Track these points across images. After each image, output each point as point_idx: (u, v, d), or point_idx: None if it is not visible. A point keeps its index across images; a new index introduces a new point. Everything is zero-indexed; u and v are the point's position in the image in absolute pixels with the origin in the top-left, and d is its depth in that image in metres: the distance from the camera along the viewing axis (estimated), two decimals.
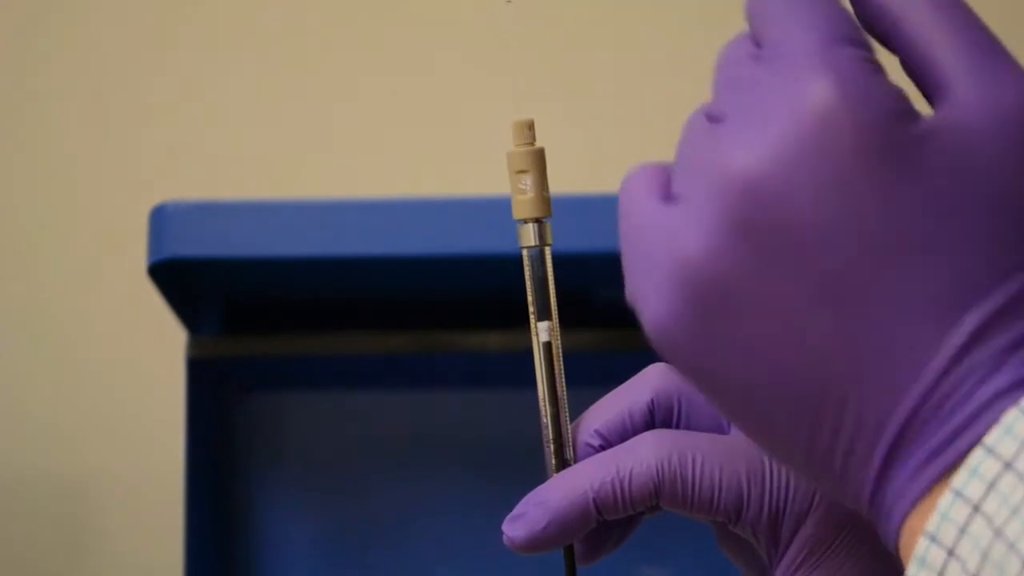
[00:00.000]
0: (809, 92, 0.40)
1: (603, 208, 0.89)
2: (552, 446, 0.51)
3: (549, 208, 0.51)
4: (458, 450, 1.12)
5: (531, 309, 0.51)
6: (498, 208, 0.93)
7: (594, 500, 0.50)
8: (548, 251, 0.51)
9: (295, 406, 1.13)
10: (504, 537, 0.49)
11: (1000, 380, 0.38)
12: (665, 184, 0.43)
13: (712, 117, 0.42)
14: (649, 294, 0.41)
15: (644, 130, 1.37)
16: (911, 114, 0.40)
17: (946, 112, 0.41)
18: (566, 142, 1.35)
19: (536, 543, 0.50)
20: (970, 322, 0.39)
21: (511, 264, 0.96)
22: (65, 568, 1.36)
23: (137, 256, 0.99)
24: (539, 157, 0.52)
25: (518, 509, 0.50)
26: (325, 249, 0.94)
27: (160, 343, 1.29)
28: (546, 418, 0.51)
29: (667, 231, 0.41)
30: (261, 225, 0.94)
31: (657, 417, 0.51)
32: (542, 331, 0.51)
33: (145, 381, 1.35)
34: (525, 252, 0.51)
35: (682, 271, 0.40)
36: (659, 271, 0.41)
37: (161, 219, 0.95)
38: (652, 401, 0.51)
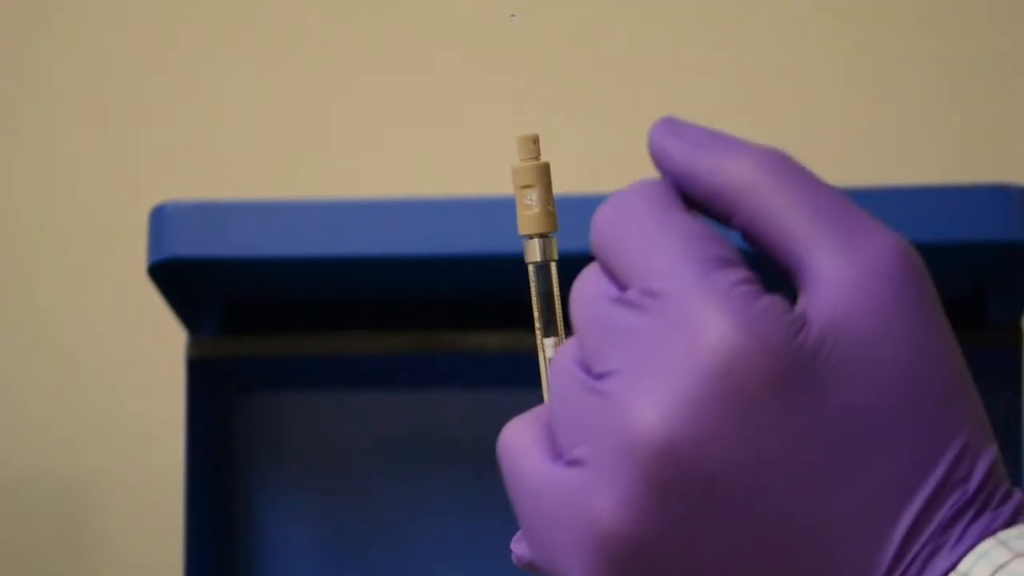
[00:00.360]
0: (706, 340, 0.38)
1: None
2: None
3: (555, 223, 0.51)
4: (458, 450, 1.12)
5: (537, 325, 0.51)
6: (498, 208, 0.93)
7: None
8: (554, 266, 0.51)
9: (295, 406, 1.13)
10: (512, 556, 0.47)
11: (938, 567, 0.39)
12: (549, 441, 0.41)
13: (594, 373, 0.41)
14: (570, 567, 0.39)
15: (645, 130, 1.37)
16: (798, 324, 0.38)
17: (819, 306, 0.39)
18: (565, 142, 1.35)
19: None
20: (904, 523, 0.39)
21: (511, 264, 0.96)
22: (65, 568, 1.36)
23: (137, 256, 0.99)
24: (544, 172, 0.51)
25: None
26: (325, 249, 0.94)
27: (160, 343, 1.29)
28: None
29: (575, 499, 0.39)
30: (261, 225, 0.94)
31: None
32: (548, 347, 0.51)
33: (145, 381, 1.35)
34: (531, 267, 0.51)
35: (603, 541, 0.39)
36: (576, 542, 0.39)
37: (161, 219, 0.95)
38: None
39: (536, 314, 0.51)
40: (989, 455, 0.40)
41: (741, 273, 0.39)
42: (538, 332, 0.51)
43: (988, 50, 1.36)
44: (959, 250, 0.94)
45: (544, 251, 0.51)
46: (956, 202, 0.92)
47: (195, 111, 1.39)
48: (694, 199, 0.41)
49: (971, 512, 0.39)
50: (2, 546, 1.36)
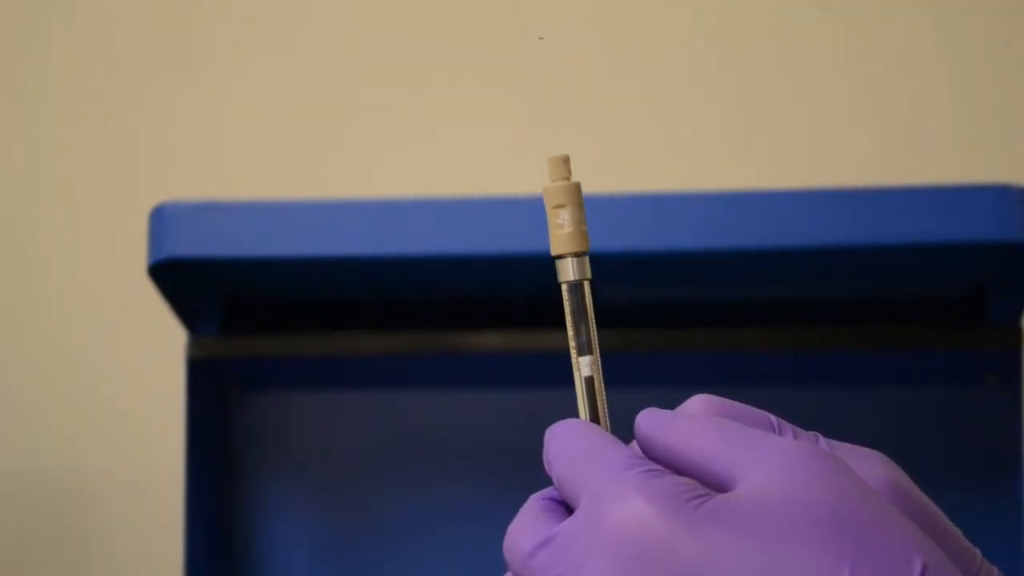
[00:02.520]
0: (611, 515, 0.45)
1: (605, 209, 0.89)
2: None
3: (587, 242, 0.51)
4: (457, 449, 1.12)
5: (571, 344, 0.51)
6: (498, 209, 0.94)
7: None
8: (587, 285, 0.51)
9: (294, 405, 1.13)
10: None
11: None
12: None
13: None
14: None
15: (647, 131, 1.37)
16: (700, 493, 0.44)
17: (737, 489, 0.45)
18: (567, 142, 1.35)
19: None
20: None
21: (511, 265, 0.96)
22: (65, 568, 1.36)
23: (137, 256, 0.99)
24: (576, 192, 0.52)
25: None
26: (325, 249, 0.94)
27: (160, 343, 1.29)
28: None
29: None
30: (261, 225, 0.94)
31: None
32: (584, 366, 0.51)
33: (145, 381, 1.35)
34: (564, 287, 0.51)
35: None
36: None
37: (161, 219, 0.95)
38: None
39: (570, 333, 0.51)
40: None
41: (648, 467, 0.46)
42: (573, 351, 0.51)
43: (988, 50, 1.36)
44: (959, 250, 0.94)
45: (578, 270, 0.51)
46: (956, 202, 0.92)
47: (195, 111, 1.39)
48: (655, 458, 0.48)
49: None
50: (2, 546, 1.36)
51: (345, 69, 1.39)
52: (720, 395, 0.50)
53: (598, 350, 0.51)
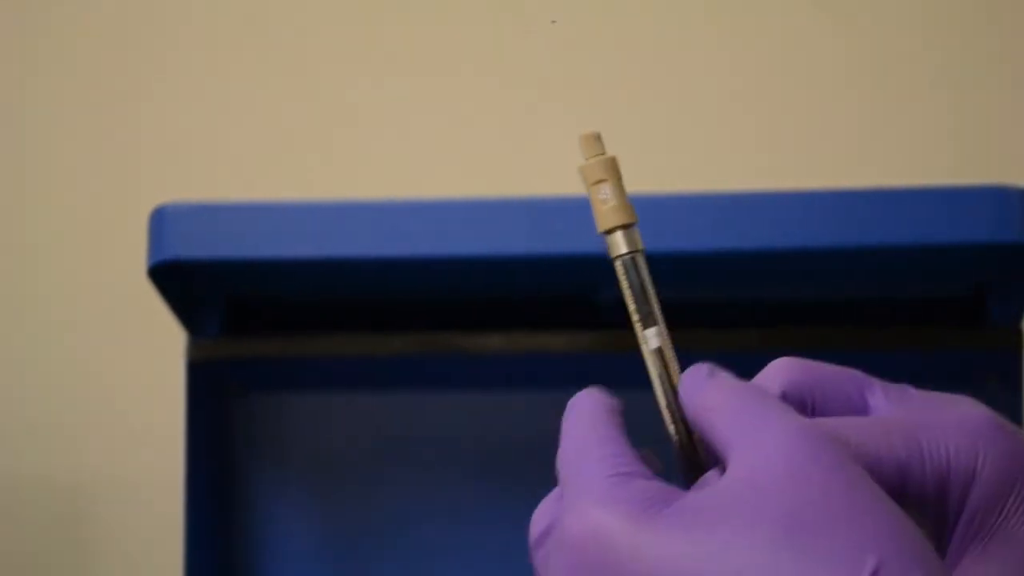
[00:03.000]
0: (571, 526, 0.45)
1: None
2: (684, 451, 0.50)
3: (634, 213, 0.50)
4: (458, 451, 1.12)
5: (635, 319, 0.50)
6: (498, 210, 0.94)
7: None
8: (641, 256, 0.50)
9: (295, 407, 1.13)
10: None
11: None
12: None
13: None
14: None
15: (648, 132, 1.37)
16: (661, 498, 0.45)
17: (723, 477, 0.45)
18: (569, 144, 1.35)
19: None
20: None
21: (513, 266, 0.96)
22: (65, 569, 1.36)
23: (137, 258, 0.99)
24: (613, 165, 0.51)
25: None
26: (325, 250, 0.94)
27: (160, 345, 1.29)
28: (672, 424, 0.50)
29: None
30: (261, 227, 0.94)
31: None
32: (651, 338, 0.50)
33: (145, 383, 1.35)
34: (618, 263, 0.50)
35: None
36: None
37: (161, 220, 0.95)
38: (784, 395, 0.51)
39: (632, 307, 0.50)
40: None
41: (620, 470, 0.46)
42: (637, 325, 0.50)
43: (988, 51, 1.36)
44: (958, 251, 0.94)
45: (629, 242, 0.50)
46: (955, 203, 0.92)
47: (195, 112, 1.39)
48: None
49: None
50: (2, 546, 1.36)
51: (347, 70, 1.39)
52: None
53: (663, 320, 0.50)
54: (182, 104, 1.39)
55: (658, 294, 0.51)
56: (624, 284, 0.50)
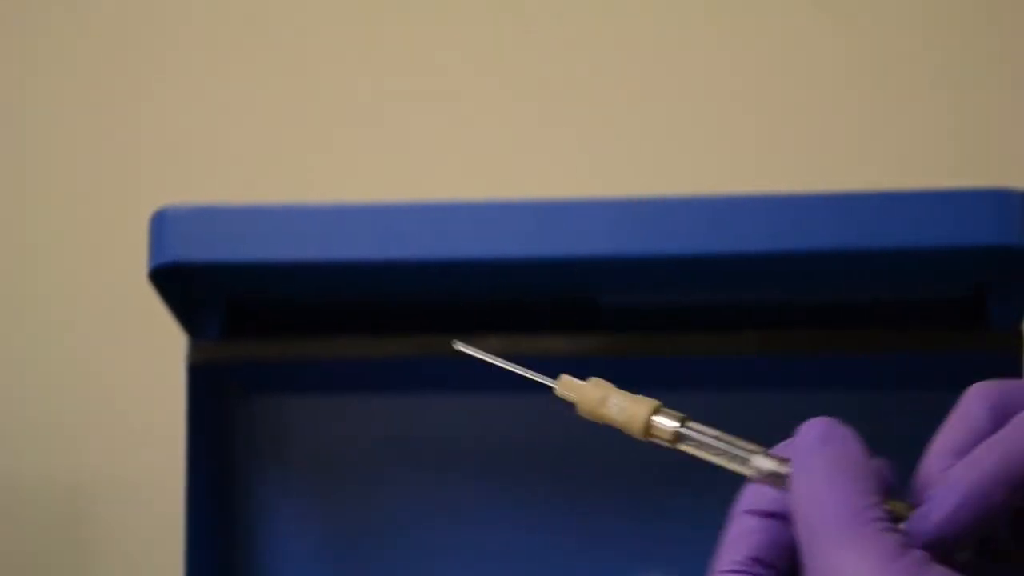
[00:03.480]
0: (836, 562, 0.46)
1: (610, 213, 0.89)
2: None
3: (650, 400, 0.50)
4: (458, 454, 1.12)
5: (732, 466, 0.50)
6: (498, 212, 0.93)
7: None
8: (690, 419, 0.50)
9: (295, 410, 1.13)
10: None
11: None
12: None
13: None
14: None
15: (648, 132, 1.37)
16: (909, 548, 0.47)
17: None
18: (570, 146, 1.35)
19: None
20: None
21: (513, 269, 0.96)
22: (65, 569, 1.36)
23: (138, 260, 0.99)
24: (600, 383, 0.51)
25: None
26: (326, 253, 0.94)
27: (161, 347, 1.29)
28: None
29: None
30: (262, 229, 0.94)
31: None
32: (762, 463, 0.50)
33: (146, 385, 1.35)
34: (682, 443, 0.50)
35: None
36: None
37: (162, 223, 0.95)
38: (991, 418, 0.51)
39: (721, 463, 0.50)
40: None
41: (883, 519, 0.47)
42: (739, 471, 0.50)
43: (988, 51, 1.36)
44: (958, 254, 0.94)
45: (671, 417, 0.50)
46: (955, 206, 0.92)
47: (195, 114, 1.39)
48: None
49: None
50: (2, 547, 1.36)
51: (347, 70, 1.39)
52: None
53: (755, 446, 0.50)
54: (182, 104, 1.39)
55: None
56: (704, 453, 0.50)
